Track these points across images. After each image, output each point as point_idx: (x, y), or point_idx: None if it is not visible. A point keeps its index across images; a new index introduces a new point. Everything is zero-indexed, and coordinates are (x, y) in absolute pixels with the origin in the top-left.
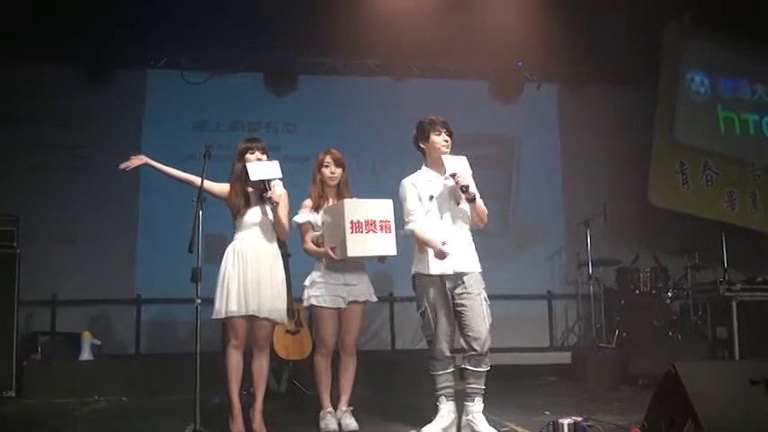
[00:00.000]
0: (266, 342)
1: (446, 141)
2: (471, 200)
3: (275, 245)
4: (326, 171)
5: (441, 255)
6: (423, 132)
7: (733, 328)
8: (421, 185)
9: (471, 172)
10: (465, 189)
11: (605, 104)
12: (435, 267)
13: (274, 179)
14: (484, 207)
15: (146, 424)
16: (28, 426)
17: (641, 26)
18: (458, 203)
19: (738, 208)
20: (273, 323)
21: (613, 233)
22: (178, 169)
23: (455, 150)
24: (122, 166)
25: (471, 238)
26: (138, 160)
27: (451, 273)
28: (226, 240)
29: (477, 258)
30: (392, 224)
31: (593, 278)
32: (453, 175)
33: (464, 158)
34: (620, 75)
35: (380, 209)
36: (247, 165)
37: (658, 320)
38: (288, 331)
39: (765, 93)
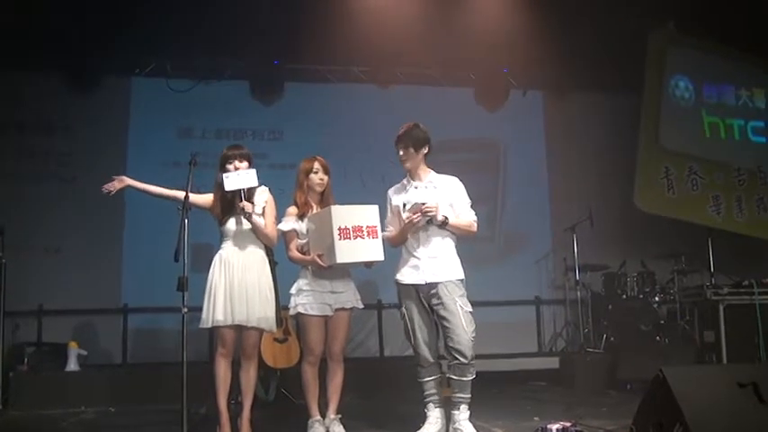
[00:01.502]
0: (254, 351)
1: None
2: (443, 224)
3: (262, 252)
4: (315, 177)
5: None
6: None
7: (720, 332)
8: (395, 195)
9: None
10: (430, 220)
11: (590, 111)
12: (407, 277)
13: (251, 188)
14: (465, 220)
15: None
16: None
17: (626, 33)
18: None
19: (724, 212)
20: (261, 332)
21: (600, 238)
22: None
23: (440, 156)
24: (105, 188)
25: (452, 246)
26: (120, 183)
27: (423, 283)
28: (212, 249)
29: (456, 266)
30: (379, 229)
31: (581, 283)
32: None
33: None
34: (604, 81)
35: (367, 214)
36: (223, 175)
37: (646, 325)
38: (276, 339)
39: (749, 98)
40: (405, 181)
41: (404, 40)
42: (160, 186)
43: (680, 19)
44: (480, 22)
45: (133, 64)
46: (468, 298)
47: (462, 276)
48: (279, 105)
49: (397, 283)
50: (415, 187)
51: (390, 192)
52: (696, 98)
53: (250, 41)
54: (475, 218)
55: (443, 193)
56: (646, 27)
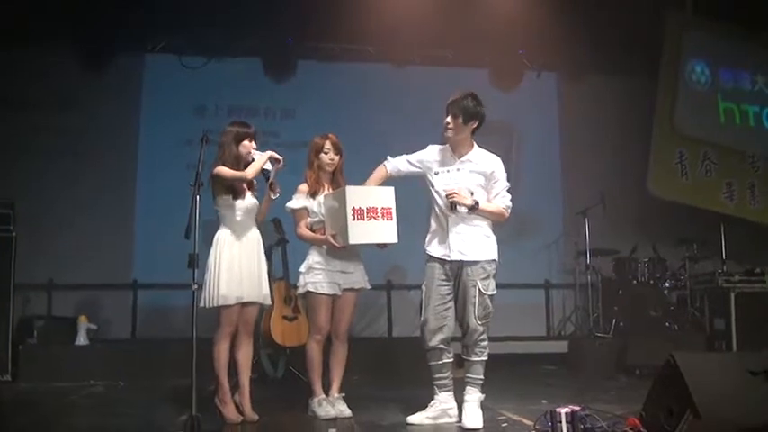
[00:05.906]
0: (253, 327)
1: (446, 123)
2: (471, 210)
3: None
4: (326, 157)
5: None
6: None
7: (731, 320)
8: (431, 155)
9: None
10: (453, 206)
11: (605, 93)
12: (435, 250)
13: (269, 171)
14: (496, 206)
15: (141, 409)
16: (24, 410)
17: (642, 15)
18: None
19: (737, 199)
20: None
21: (612, 223)
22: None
23: None
24: None
25: (484, 225)
26: None
27: (448, 259)
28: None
29: (483, 246)
30: (393, 212)
31: (591, 268)
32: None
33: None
34: (620, 64)
35: (382, 196)
36: (257, 154)
37: (656, 311)
38: (285, 317)
39: (765, 84)
40: (448, 150)
41: (418, 20)
42: None
43: (697, 1)
44: (495, 3)
45: (146, 41)
46: None
47: (491, 257)
48: (291, 83)
49: (426, 254)
50: (446, 171)
51: (430, 147)
52: (712, 83)
53: (263, 18)
54: (508, 204)
55: (477, 175)
56: (662, 9)
